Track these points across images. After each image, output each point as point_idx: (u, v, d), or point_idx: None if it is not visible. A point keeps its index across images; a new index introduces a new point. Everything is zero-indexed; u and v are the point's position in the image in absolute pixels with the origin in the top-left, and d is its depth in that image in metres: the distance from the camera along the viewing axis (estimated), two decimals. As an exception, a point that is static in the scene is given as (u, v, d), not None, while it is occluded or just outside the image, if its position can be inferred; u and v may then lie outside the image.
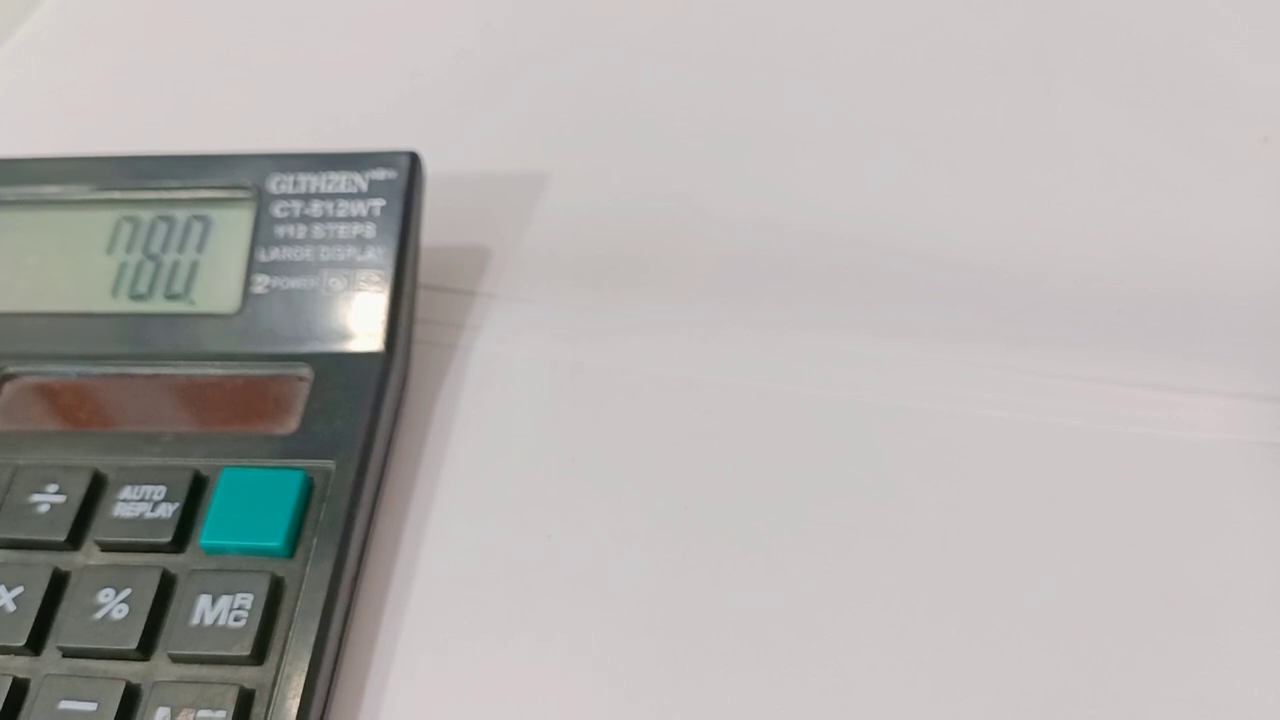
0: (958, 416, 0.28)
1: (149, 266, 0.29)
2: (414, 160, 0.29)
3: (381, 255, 0.28)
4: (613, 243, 0.32)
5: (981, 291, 0.30)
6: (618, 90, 0.36)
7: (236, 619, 0.24)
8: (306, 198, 0.29)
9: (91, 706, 0.23)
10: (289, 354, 0.28)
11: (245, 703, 0.23)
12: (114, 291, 0.29)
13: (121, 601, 0.24)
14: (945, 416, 0.28)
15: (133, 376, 0.28)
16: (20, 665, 0.24)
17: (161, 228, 0.29)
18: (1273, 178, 0.32)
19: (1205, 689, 0.23)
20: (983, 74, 0.35)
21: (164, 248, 0.29)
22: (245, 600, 0.24)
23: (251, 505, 0.25)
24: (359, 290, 0.28)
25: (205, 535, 0.25)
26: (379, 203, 0.29)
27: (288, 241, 0.29)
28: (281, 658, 0.24)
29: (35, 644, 0.24)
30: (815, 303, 0.30)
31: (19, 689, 0.23)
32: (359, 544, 0.26)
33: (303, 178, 0.29)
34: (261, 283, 0.28)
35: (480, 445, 0.28)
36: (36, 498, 0.26)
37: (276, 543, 0.25)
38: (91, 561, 0.25)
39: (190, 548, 0.25)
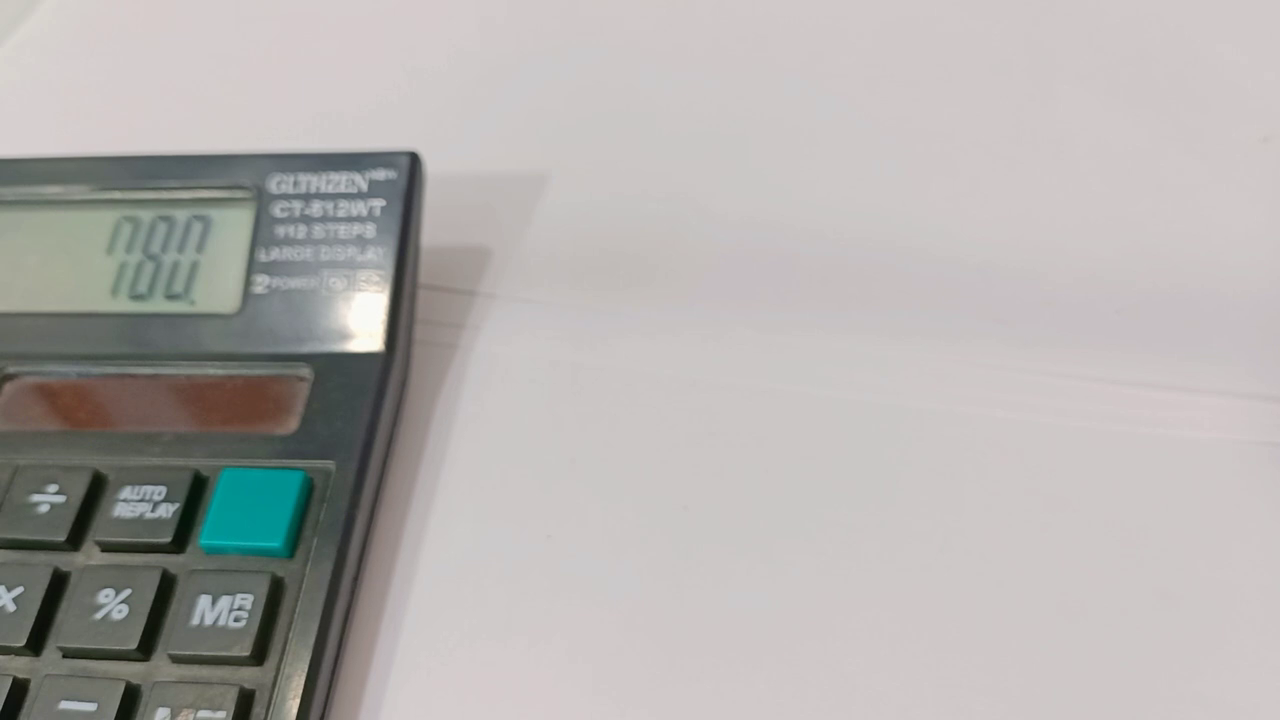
0: (958, 417, 0.28)
1: (149, 266, 0.29)
2: (414, 160, 0.29)
3: (381, 255, 0.28)
4: (613, 242, 0.32)
5: (982, 291, 0.30)
6: (618, 89, 0.36)
7: (236, 619, 0.24)
8: (307, 198, 0.29)
9: (91, 707, 0.23)
10: (289, 354, 0.28)
11: (245, 703, 0.23)
12: (114, 291, 0.29)
13: (121, 602, 0.24)
14: (945, 417, 0.28)
15: (133, 376, 0.28)
16: (20, 665, 0.24)
17: (161, 228, 0.29)
18: (1273, 178, 0.32)
19: (1206, 689, 0.23)
20: (983, 74, 0.35)
21: (164, 248, 0.29)
22: (245, 601, 0.24)
23: (251, 505, 0.25)
24: (359, 290, 0.28)
25: (205, 535, 0.25)
26: (379, 203, 0.29)
27: (288, 241, 0.29)
28: (281, 658, 0.24)
29: (35, 644, 0.24)
30: (815, 303, 0.30)
31: (19, 689, 0.23)
32: (359, 544, 0.26)
33: (303, 178, 0.29)
34: (261, 283, 0.28)
35: (480, 446, 0.28)
36: (36, 498, 0.26)
37: (276, 543, 0.25)
38: (91, 562, 0.25)
39: (190, 548, 0.25)
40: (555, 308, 0.31)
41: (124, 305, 0.29)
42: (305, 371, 0.27)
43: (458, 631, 0.25)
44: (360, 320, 0.28)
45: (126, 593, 0.24)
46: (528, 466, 0.28)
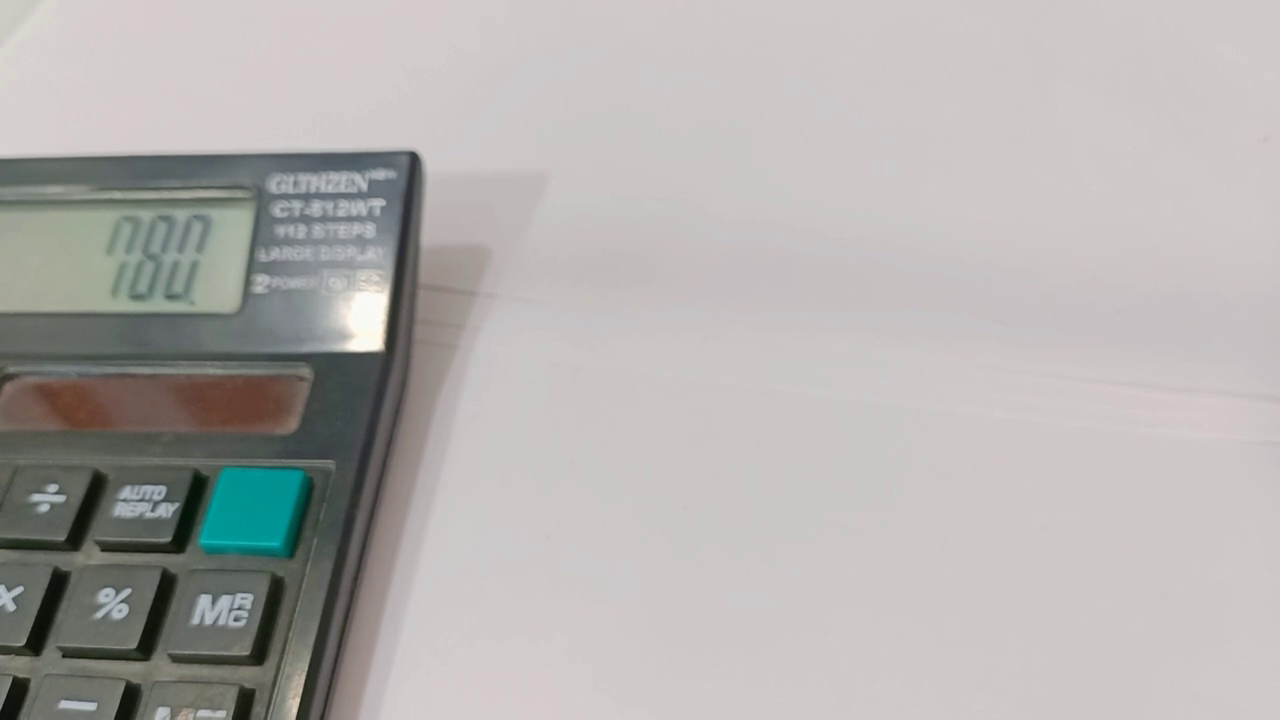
0: (957, 417, 0.28)
1: (149, 266, 0.29)
2: (414, 160, 0.29)
3: (381, 255, 0.28)
4: (613, 243, 0.32)
5: (982, 291, 0.30)
6: (617, 89, 0.36)
7: (236, 619, 0.24)
8: (306, 198, 0.29)
9: (91, 706, 0.23)
10: (289, 354, 0.28)
11: (245, 703, 0.23)
12: (114, 291, 0.29)
13: (121, 601, 0.24)
14: (945, 417, 0.28)
15: (133, 376, 0.28)
16: (20, 665, 0.24)
17: (161, 228, 0.29)
18: (1273, 178, 0.32)
19: (1205, 688, 0.23)
20: (983, 74, 0.35)
21: (164, 248, 0.29)
22: (245, 600, 0.24)
23: (251, 505, 0.25)
24: (359, 290, 0.28)
25: (205, 535, 0.25)
26: (379, 203, 0.29)
27: (288, 241, 0.29)
28: (281, 658, 0.24)
29: (35, 644, 0.24)
30: (815, 303, 0.30)
31: (19, 689, 0.24)
32: (359, 544, 0.26)
33: (303, 178, 0.29)
34: (261, 283, 0.28)
35: (480, 445, 0.28)
36: (36, 498, 0.26)
37: (276, 543, 0.25)
38: (91, 561, 0.25)
39: (190, 548, 0.25)
40: (555, 308, 0.31)
41: (124, 305, 0.29)
42: (305, 371, 0.27)
43: (458, 631, 0.25)
44: (360, 320, 0.28)
45: (126, 592, 0.24)
46: (527, 466, 0.28)
